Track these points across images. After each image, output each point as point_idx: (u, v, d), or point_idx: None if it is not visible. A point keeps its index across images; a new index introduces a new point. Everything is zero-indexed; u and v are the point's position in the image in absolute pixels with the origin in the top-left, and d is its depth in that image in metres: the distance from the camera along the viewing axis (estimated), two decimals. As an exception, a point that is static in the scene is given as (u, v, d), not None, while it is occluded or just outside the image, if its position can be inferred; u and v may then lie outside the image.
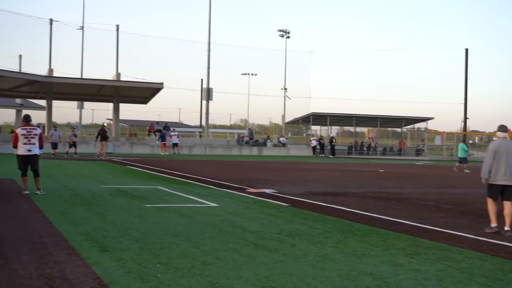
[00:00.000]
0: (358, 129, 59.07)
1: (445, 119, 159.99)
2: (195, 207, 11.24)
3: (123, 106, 45.72)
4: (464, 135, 49.03)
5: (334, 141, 47.72)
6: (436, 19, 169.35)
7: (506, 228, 8.95)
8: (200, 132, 61.80)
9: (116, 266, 6.00)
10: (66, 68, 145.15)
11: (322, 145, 47.88)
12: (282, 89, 59.09)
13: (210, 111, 52.95)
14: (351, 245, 7.60)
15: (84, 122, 69.78)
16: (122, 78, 44.80)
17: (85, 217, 9.44)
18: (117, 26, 53.95)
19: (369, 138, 55.85)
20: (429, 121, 53.92)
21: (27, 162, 12.60)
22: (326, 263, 6.49)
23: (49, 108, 42.44)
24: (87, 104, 60.04)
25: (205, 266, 6.12)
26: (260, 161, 34.01)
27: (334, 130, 57.64)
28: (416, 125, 57.02)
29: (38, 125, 31.11)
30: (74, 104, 58.25)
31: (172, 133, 41.79)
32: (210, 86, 51.63)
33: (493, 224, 9.14)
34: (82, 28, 54.52)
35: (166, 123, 53.12)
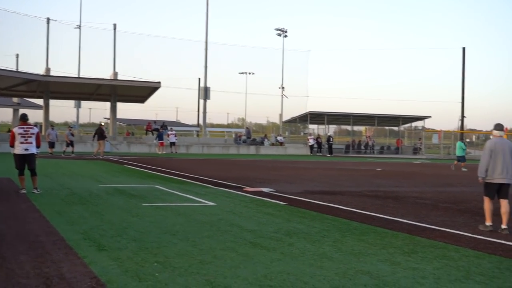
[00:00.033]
0: (356, 128, 59.14)
1: (442, 117, 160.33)
2: (193, 206, 11.24)
3: (120, 105, 45.90)
4: (462, 134, 49.09)
5: (331, 140, 47.79)
6: (434, 18, 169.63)
7: (503, 226, 8.97)
8: (198, 131, 61.83)
9: (113, 265, 5.99)
10: (63, 67, 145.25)
11: (319, 144, 47.90)
12: (279, 88, 59.03)
13: (207, 110, 52.99)
14: (348, 244, 7.61)
15: (81, 121, 69.71)
16: (119, 77, 44.72)
17: (82, 216, 9.43)
18: (114, 25, 53.91)
19: (366, 137, 55.90)
20: (426, 120, 54.07)
21: (24, 161, 12.57)
22: (323, 261, 6.50)
23: (46, 107, 42.38)
24: (84, 103, 60.02)
25: (203, 265, 6.12)
26: (257, 160, 34.00)
27: (332, 129, 57.73)
28: (414, 124, 57.13)
29: (35, 124, 31.07)
30: (71, 103, 58.19)
31: (169, 132, 41.76)
32: (208, 85, 51.63)
33: (488, 222, 9.17)
34: (79, 27, 54.39)
35: (164, 122, 53.04)
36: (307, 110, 52.72)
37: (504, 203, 9.12)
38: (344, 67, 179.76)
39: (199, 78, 65.06)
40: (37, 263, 6.03)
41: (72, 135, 34.98)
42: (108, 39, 58.20)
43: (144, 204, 11.24)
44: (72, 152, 33.38)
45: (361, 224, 9.39)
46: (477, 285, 5.67)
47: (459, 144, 29.63)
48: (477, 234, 8.66)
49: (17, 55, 64.26)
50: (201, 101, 53.50)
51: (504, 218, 9.03)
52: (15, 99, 55.29)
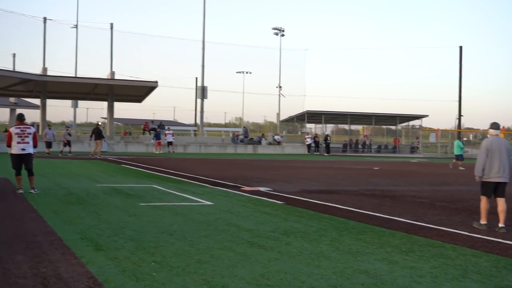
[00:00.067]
0: (353, 127, 59.08)
1: (439, 116, 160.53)
2: (190, 206, 11.23)
3: (117, 105, 45.71)
4: (459, 133, 49.18)
5: (329, 139, 47.79)
6: (431, 16, 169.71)
7: (500, 225, 8.99)
8: (195, 131, 61.75)
9: (110, 265, 5.99)
10: (60, 67, 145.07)
11: (317, 143, 47.91)
12: (277, 87, 59.01)
13: (204, 109, 52.97)
14: (346, 243, 7.61)
15: (78, 120, 69.74)
16: (116, 77, 44.68)
17: (79, 216, 9.42)
18: (111, 24, 53.85)
19: (364, 136, 55.95)
20: (423, 119, 54.06)
21: (21, 161, 12.55)
22: (321, 260, 6.50)
23: (43, 107, 42.32)
24: (81, 103, 60.04)
25: (200, 265, 6.12)
26: (255, 159, 34.00)
27: (329, 128, 57.71)
28: (411, 123, 57.18)
29: (32, 124, 30.96)
30: (68, 103, 58.17)
31: (166, 132, 41.73)
32: (205, 85, 51.56)
33: (483, 221, 9.20)
34: (76, 26, 54.36)
35: (161, 121, 53.06)
36: (305, 109, 52.75)
37: (501, 202, 9.14)
38: (342, 66, 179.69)
39: (196, 78, 65.13)
40: (34, 263, 6.02)
41: (69, 135, 34.93)
42: (105, 39, 58.24)
43: (141, 204, 11.23)
44: (69, 152, 33.34)
45: (359, 223, 9.39)
46: (474, 284, 5.68)
47: (457, 142, 29.67)
48: (474, 233, 8.68)
49: (14, 55, 64.27)
50: (199, 100, 53.49)
51: (501, 216, 9.05)
52: (12, 99, 55.14)
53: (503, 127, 51.38)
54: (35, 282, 5.29)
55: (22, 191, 12.46)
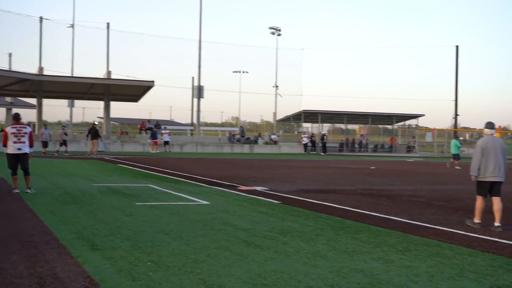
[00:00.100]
0: (350, 126, 59.20)
1: (436, 116, 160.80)
2: (186, 205, 11.22)
3: (114, 104, 45.76)
4: (455, 132, 49.26)
5: (325, 139, 47.84)
6: (429, 16, 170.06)
7: (496, 224, 9.01)
8: (191, 130, 61.75)
9: (107, 265, 5.98)
10: (57, 67, 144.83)
11: (313, 143, 47.96)
12: (273, 86, 59.03)
13: (201, 109, 52.95)
14: (342, 242, 7.62)
15: (74, 120, 69.64)
16: (113, 76, 44.62)
17: (76, 216, 9.40)
18: (108, 24, 53.68)
19: (360, 135, 56.01)
20: (420, 118, 54.18)
21: (17, 161, 12.52)
22: (317, 260, 6.50)
23: (39, 107, 42.22)
24: (77, 103, 59.75)
25: (197, 264, 6.11)
26: (251, 159, 34.00)
27: (326, 127, 57.74)
28: (407, 122, 57.26)
29: (28, 124, 30.94)
30: (64, 102, 57.88)
31: (163, 131, 41.71)
32: (201, 84, 51.58)
33: (477, 220, 9.22)
34: (72, 26, 54.18)
35: (157, 121, 53.01)
36: (301, 109, 52.80)
37: (496, 201, 9.16)
38: (338, 65, 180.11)
39: (193, 77, 64.90)
40: (30, 262, 6.00)
41: (66, 134, 34.87)
42: (102, 38, 58.23)
43: (137, 203, 11.22)
44: (66, 152, 33.28)
45: (355, 223, 9.40)
46: (471, 283, 5.69)
47: (453, 142, 29.69)
48: (471, 232, 8.69)
49: (10, 54, 64.01)
50: (195, 100, 53.47)
51: (497, 215, 9.07)
52: (8, 99, 55.04)
53: (499, 126, 51.52)
54: (31, 281, 5.28)
55: (18, 191, 12.43)
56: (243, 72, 79.76)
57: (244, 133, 52.46)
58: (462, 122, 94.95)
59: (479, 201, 9.28)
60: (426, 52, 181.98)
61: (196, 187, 15.06)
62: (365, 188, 15.79)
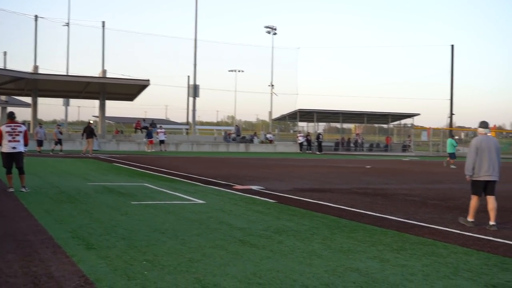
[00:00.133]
0: (345, 125, 59.28)
1: (431, 115, 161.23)
2: (182, 204, 11.21)
3: (109, 103, 45.60)
4: (450, 131, 49.38)
5: (321, 138, 47.87)
6: (423, 15, 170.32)
7: (491, 222, 9.03)
8: (187, 129, 61.70)
9: (102, 264, 5.97)
10: (52, 65, 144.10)
11: (309, 142, 48.01)
12: (269, 85, 59.03)
13: (197, 108, 52.89)
14: (338, 241, 7.63)
15: (70, 119, 69.25)
16: (108, 75, 44.55)
17: (71, 215, 9.38)
18: (103, 22, 53.63)
19: (356, 134, 56.08)
20: (415, 117, 54.28)
21: (12, 160, 12.49)
22: (313, 259, 6.51)
23: (34, 105, 42.12)
24: (73, 101, 59.66)
25: (192, 263, 6.11)
26: (247, 158, 34.00)
27: (321, 126, 57.89)
28: (403, 121, 57.40)
29: (23, 122, 30.86)
30: (59, 101, 57.75)
31: (158, 130, 41.67)
32: (197, 83, 51.55)
33: (470, 219, 9.25)
34: (67, 24, 54.08)
35: (153, 120, 53.00)
36: (297, 108, 52.82)
37: (491, 200, 9.18)
38: (334, 64, 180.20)
39: (189, 76, 64.96)
40: (25, 262, 5.98)
41: (61, 133, 34.77)
42: (97, 37, 58.00)
43: (133, 203, 11.20)
44: (61, 151, 33.20)
45: (350, 222, 9.41)
46: (465, 282, 5.70)
47: (449, 141, 29.74)
48: (466, 231, 8.71)
49: (5, 53, 63.72)
50: (191, 99, 53.46)
51: (492, 214, 9.09)
52: (2, 97, 54.88)
53: (494, 125, 51.66)
54: (26, 281, 5.26)
55: (13, 190, 12.40)
56: (239, 71, 79.67)
57: (240, 132, 52.49)
58: (458, 121, 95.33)
59: (474, 200, 9.30)
60: (422, 51, 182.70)
61: (191, 186, 15.05)
62: (361, 187, 15.81)
